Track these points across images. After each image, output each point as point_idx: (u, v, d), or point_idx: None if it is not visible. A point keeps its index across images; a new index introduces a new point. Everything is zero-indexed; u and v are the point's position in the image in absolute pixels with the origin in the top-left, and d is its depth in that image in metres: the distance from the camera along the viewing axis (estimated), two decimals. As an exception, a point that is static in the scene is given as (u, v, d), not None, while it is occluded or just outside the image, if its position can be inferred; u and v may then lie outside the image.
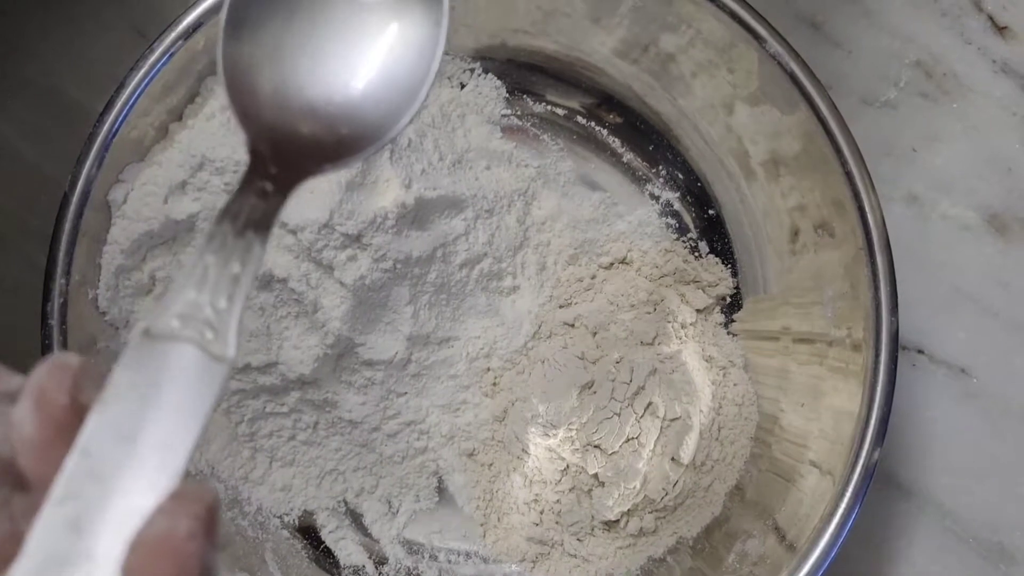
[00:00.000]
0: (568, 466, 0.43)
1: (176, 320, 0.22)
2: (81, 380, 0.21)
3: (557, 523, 0.43)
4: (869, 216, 0.38)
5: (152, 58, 0.37)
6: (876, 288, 0.38)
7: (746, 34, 0.38)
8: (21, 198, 0.45)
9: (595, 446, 0.42)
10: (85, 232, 0.37)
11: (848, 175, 0.38)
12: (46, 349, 0.36)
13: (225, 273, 0.23)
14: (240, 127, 0.26)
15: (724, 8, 0.38)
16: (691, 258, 0.46)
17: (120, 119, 0.37)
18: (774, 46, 0.38)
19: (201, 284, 0.23)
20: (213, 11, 0.38)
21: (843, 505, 0.38)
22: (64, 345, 0.37)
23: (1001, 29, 0.48)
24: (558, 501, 0.43)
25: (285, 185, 0.25)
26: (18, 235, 0.45)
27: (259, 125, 0.26)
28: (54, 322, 0.37)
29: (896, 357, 0.38)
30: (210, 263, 0.23)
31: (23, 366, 0.39)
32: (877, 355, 0.38)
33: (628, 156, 0.46)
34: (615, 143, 0.46)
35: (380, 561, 0.44)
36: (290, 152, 0.25)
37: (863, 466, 0.38)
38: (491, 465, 0.44)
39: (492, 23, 0.43)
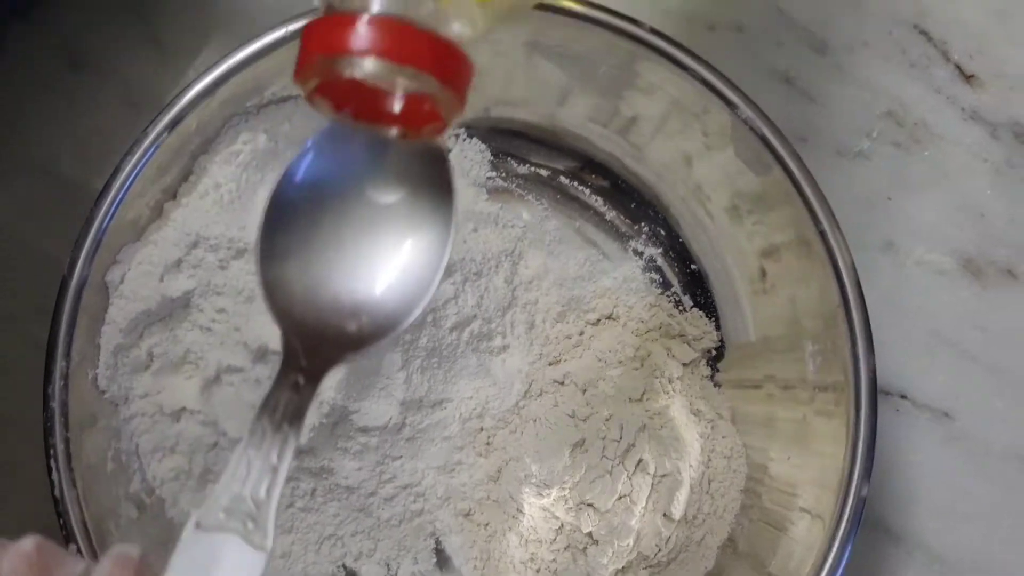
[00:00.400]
0: (562, 525, 0.44)
1: (222, 513, 0.25)
2: (142, 570, 0.24)
3: (553, 582, 0.44)
4: (844, 276, 0.39)
5: (146, 142, 0.38)
6: (854, 344, 0.39)
7: (718, 100, 0.39)
8: (21, 276, 0.46)
9: (588, 504, 0.43)
10: (84, 313, 0.38)
11: (822, 235, 0.39)
12: (48, 432, 0.37)
13: (265, 465, 0.27)
14: (276, 323, 0.29)
15: (696, 75, 0.39)
16: (676, 312, 0.47)
17: (116, 203, 0.38)
18: (745, 111, 0.39)
19: (244, 478, 0.26)
20: (205, 93, 0.39)
21: (835, 546, 0.39)
22: (66, 426, 0.37)
23: (968, 78, 0.50)
24: (554, 560, 0.44)
25: (315, 376, 0.28)
26: (18, 312, 0.46)
27: (292, 321, 0.29)
28: (55, 404, 0.37)
29: (876, 407, 0.39)
30: (252, 457, 0.27)
31: (24, 444, 0.40)
32: (858, 407, 0.39)
33: (611, 214, 0.48)
34: (598, 202, 0.48)
35: (381, 623, 0.44)
36: (319, 344, 0.29)
37: (852, 504, 0.39)
38: (487, 525, 0.45)
39: (472, 98, 0.44)
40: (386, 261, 0.30)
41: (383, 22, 0.26)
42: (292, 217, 0.30)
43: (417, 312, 0.30)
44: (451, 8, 0.27)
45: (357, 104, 0.29)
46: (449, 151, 0.31)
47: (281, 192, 0.30)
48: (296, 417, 0.27)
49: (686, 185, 0.45)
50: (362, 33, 0.26)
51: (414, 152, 0.30)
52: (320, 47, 0.27)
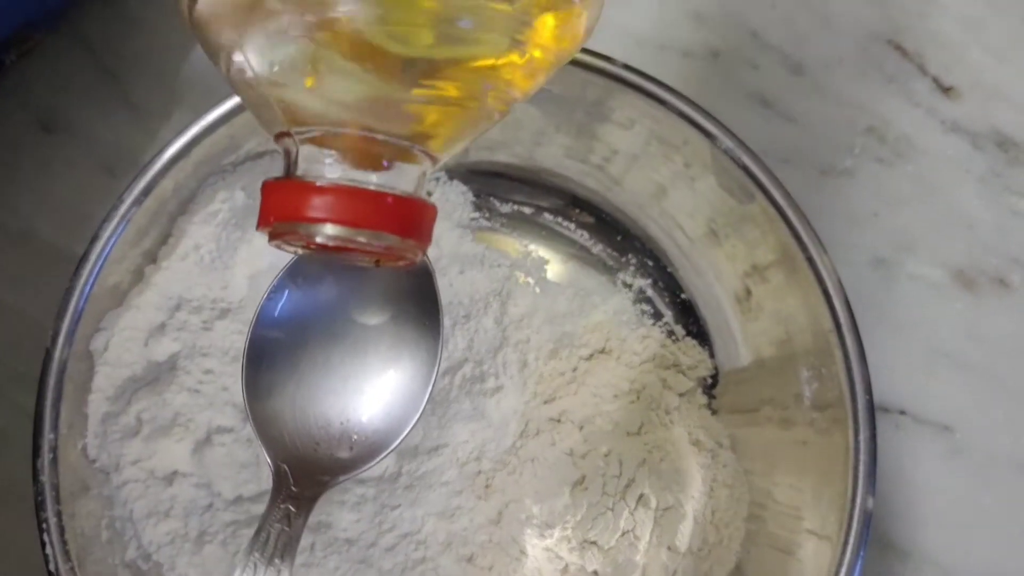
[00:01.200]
0: (567, 565, 0.43)
1: None
2: None
3: (560, 626, 0.43)
4: (835, 299, 0.38)
5: (123, 207, 0.38)
6: (849, 366, 0.39)
7: (696, 131, 0.39)
8: (4, 343, 0.46)
9: (591, 543, 0.43)
10: (70, 383, 0.38)
11: (810, 261, 0.39)
12: (40, 506, 0.37)
13: None
14: (265, 452, 0.29)
15: (673, 108, 0.39)
16: (669, 342, 0.46)
17: (95, 271, 0.38)
18: (725, 141, 0.39)
19: None
20: (181, 155, 0.39)
21: (844, 565, 0.38)
22: (57, 499, 0.37)
23: (947, 90, 0.50)
24: (560, 602, 0.43)
25: (307, 504, 0.28)
26: (2, 379, 0.46)
27: (282, 450, 0.29)
28: (45, 478, 0.37)
29: (875, 426, 0.39)
30: None
31: (16, 517, 0.39)
32: (857, 427, 0.39)
33: (597, 248, 0.47)
34: (583, 237, 0.47)
35: (388, 675, 0.44)
36: (310, 470, 0.29)
37: (858, 520, 0.38)
38: (491, 568, 0.44)
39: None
40: (375, 383, 0.30)
41: (338, 189, 0.26)
42: (277, 345, 0.30)
43: (408, 429, 0.30)
44: (408, 160, 0.27)
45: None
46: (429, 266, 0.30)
47: (263, 318, 0.30)
48: (288, 549, 0.27)
49: (669, 215, 0.45)
50: (317, 201, 0.26)
51: (396, 269, 0.30)
52: (277, 214, 0.27)
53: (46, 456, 0.37)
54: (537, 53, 0.27)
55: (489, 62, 0.26)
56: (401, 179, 0.27)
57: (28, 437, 0.38)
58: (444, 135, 0.28)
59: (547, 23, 0.26)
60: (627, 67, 0.39)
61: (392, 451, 0.30)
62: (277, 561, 0.27)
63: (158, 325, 0.39)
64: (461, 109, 0.27)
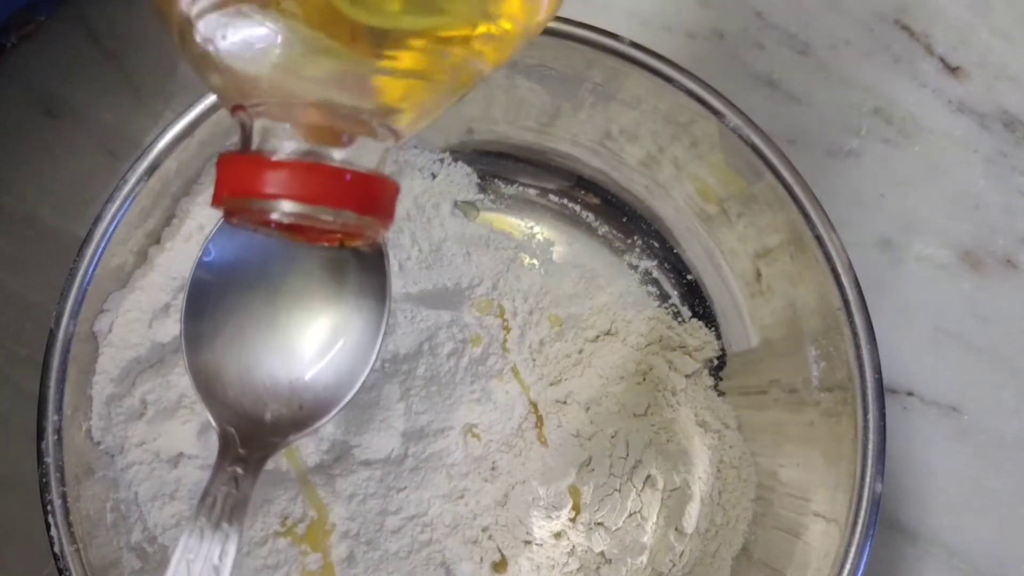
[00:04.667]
0: (574, 547, 0.43)
1: None
2: None
3: (568, 607, 0.43)
4: (843, 278, 0.38)
5: (127, 188, 0.38)
6: (858, 345, 0.38)
7: (704, 110, 0.39)
8: (7, 327, 0.46)
9: (599, 524, 0.43)
10: (74, 365, 0.38)
11: (818, 239, 0.38)
12: (44, 488, 0.37)
13: (207, 568, 0.26)
14: (209, 414, 0.28)
15: (680, 86, 0.39)
16: (675, 324, 0.46)
17: (99, 252, 0.37)
18: (732, 119, 0.39)
19: None
20: (183, 135, 0.39)
21: (853, 548, 0.38)
22: (62, 481, 0.37)
23: (954, 70, 0.49)
24: (567, 584, 0.43)
25: (254, 465, 0.27)
26: (6, 364, 0.45)
27: (226, 408, 0.28)
28: (50, 460, 0.37)
29: (884, 407, 0.39)
30: (191, 559, 0.26)
31: (21, 499, 0.39)
32: (866, 408, 0.39)
33: (603, 229, 0.47)
34: (589, 218, 0.47)
35: (395, 658, 0.44)
36: (257, 431, 0.27)
37: (867, 503, 0.38)
38: (498, 550, 0.44)
39: (454, 122, 0.44)
40: (321, 337, 0.29)
41: (293, 164, 0.25)
42: (217, 297, 0.29)
43: (359, 384, 0.29)
44: (370, 135, 0.26)
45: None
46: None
47: (203, 271, 0.29)
48: (236, 514, 0.26)
49: (677, 196, 0.44)
50: (271, 176, 0.24)
51: (358, 248, 0.29)
52: (230, 190, 0.25)
53: (50, 438, 0.37)
54: (507, 25, 0.25)
55: (458, 33, 0.25)
56: (363, 155, 0.26)
57: (32, 421, 0.37)
58: (409, 109, 0.26)
59: None
60: (634, 44, 0.38)
61: (343, 407, 0.29)
62: (225, 525, 0.26)
63: (162, 306, 0.39)
64: (428, 82, 0.26)
